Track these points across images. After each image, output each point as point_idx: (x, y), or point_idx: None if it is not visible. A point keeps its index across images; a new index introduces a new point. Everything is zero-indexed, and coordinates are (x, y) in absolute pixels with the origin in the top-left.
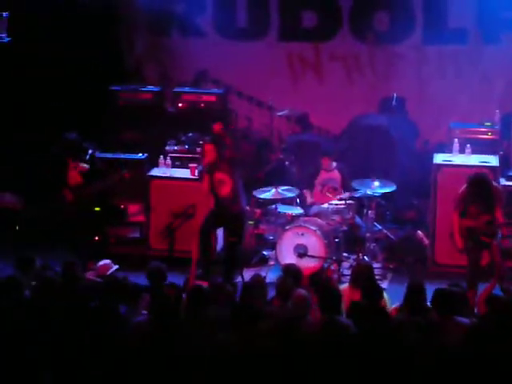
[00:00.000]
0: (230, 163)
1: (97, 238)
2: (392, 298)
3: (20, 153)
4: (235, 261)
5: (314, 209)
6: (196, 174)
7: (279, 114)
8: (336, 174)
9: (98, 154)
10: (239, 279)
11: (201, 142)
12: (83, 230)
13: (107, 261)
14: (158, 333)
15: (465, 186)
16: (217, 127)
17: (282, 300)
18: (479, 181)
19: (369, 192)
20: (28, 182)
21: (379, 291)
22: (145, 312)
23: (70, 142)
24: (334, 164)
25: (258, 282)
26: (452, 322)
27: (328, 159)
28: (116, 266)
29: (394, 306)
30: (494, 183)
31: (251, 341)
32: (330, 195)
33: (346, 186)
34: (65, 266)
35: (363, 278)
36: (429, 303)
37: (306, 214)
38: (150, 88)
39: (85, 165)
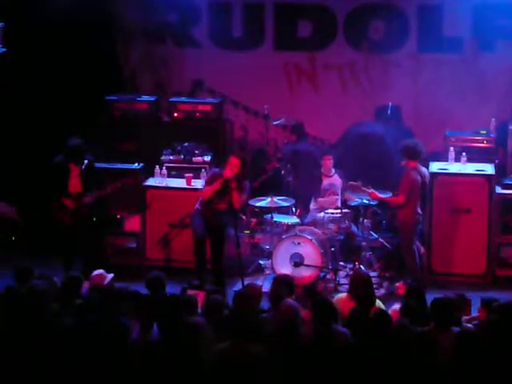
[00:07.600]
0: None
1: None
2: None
3: (16, 162)
4: (224, 270)
5: (310, 218)
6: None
7: (275, 123)
8: (337, 179)
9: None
10: (239, 288)
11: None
12: (82, 239)
13: (101, 270)
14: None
15: None
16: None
17: (274, 309)
18: None
19: (365, 201)
20: (24, 191)
21: (372, 299)
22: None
23: (73, 148)
24: (333, 170)
25: (252, 291)
26: (448, 332)
27: (329, 159)
28: (111, 275)
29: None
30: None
31: (246, 350)
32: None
33: (343, 193)
34: (66, 279)
35: (360, 286)
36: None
37: (301, 223)
38: (146, 98)
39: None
